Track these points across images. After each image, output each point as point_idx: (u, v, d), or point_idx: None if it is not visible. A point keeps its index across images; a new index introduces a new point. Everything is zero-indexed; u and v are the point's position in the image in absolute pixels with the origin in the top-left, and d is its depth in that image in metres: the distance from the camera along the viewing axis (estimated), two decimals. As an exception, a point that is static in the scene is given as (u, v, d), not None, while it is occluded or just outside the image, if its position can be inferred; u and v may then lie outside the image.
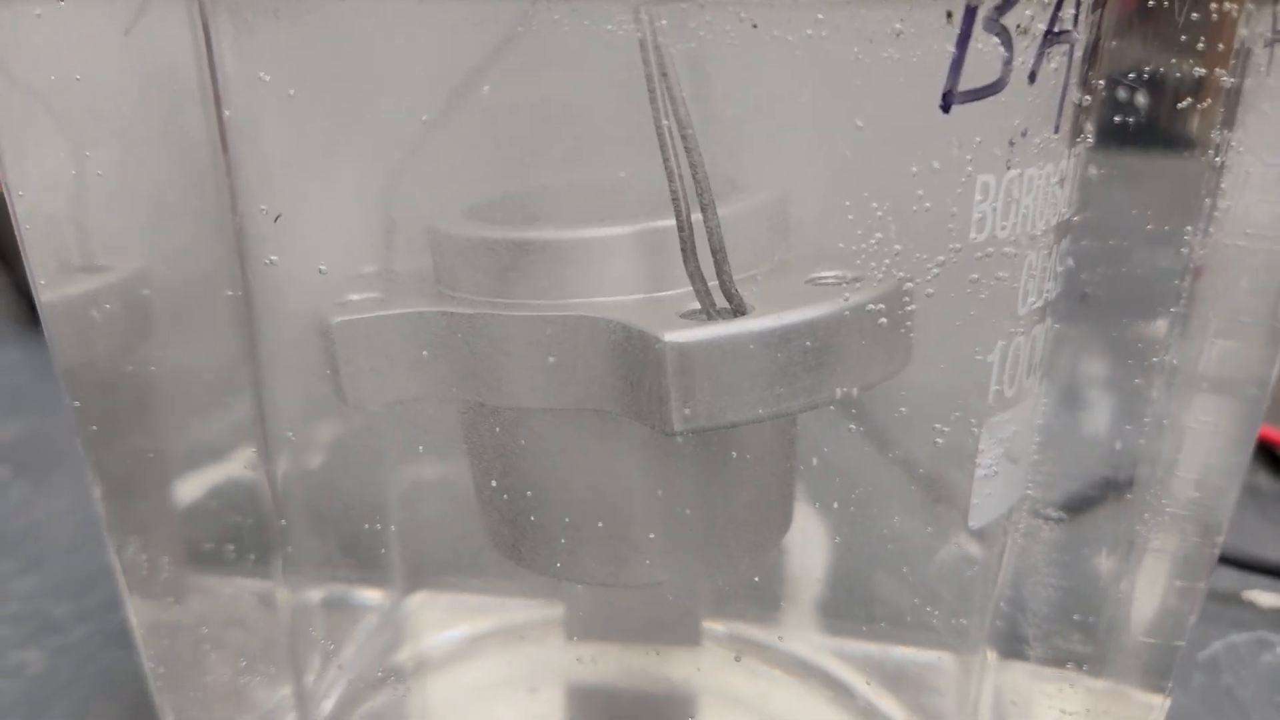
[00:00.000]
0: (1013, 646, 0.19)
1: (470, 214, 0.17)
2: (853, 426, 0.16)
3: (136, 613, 0.19)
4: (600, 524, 0.16)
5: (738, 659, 0.21)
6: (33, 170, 0.16)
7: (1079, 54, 0.13)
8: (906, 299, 0.14)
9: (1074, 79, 0.14)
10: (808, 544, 0.18)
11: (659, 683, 0.21)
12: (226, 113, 0.14)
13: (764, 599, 0.20)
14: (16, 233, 0.16)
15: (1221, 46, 0.14)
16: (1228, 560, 0.29)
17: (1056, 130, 0.14)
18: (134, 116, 0.16)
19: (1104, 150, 0.15)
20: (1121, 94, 0.15)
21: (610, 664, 0.21)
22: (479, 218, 0.17)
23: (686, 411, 0.13)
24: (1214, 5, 0.14)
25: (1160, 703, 0.18)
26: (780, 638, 0.21)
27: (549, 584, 0.22)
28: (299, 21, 0.14)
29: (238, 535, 0.19)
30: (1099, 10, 0.14)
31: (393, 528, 0.22)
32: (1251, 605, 0.29)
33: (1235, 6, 0.14)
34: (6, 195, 0.16)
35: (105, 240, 0.17)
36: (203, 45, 0.15)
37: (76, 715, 0.25)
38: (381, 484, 0.21)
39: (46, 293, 0.17)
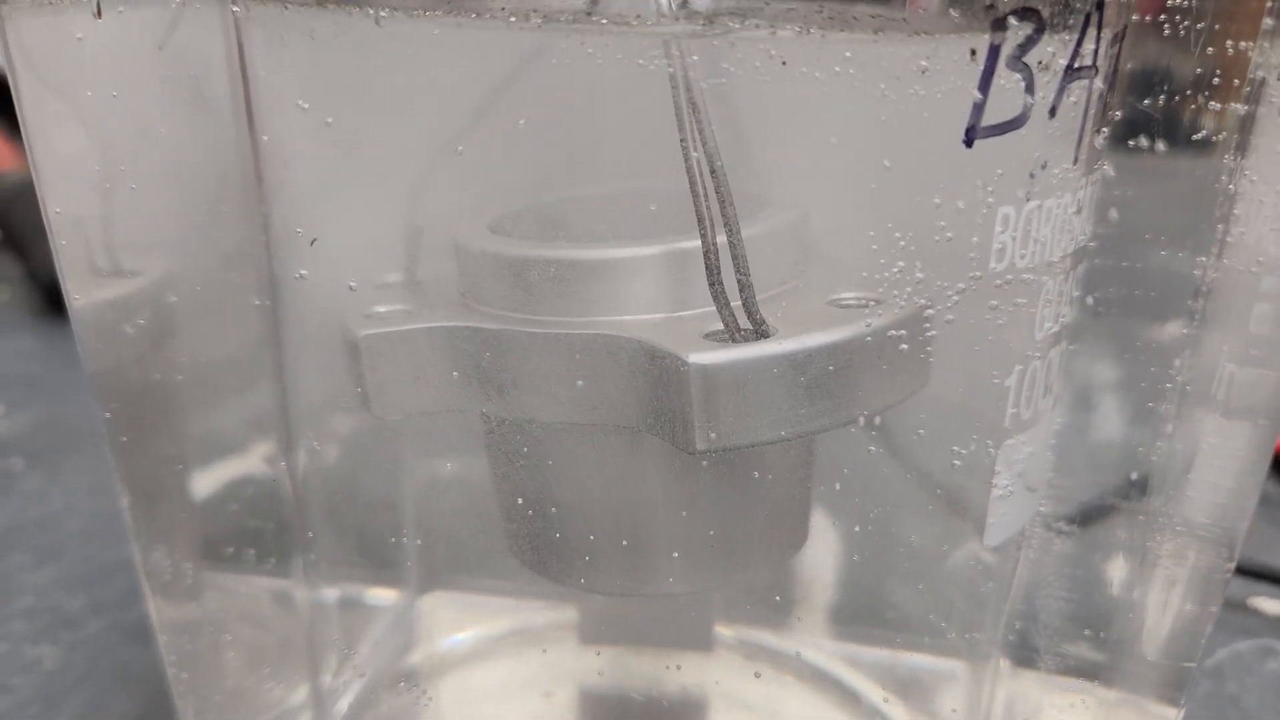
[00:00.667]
0: (1025, 656, 0.20)
1: (495, 228, 0.17)
2: (872, 449, 0.16)
3: (159, 614, 0.19)
4: (623, 539, 0.17)
5: (757, 675, 0.21)
6: (68, 182, 0.16)
7: (1098, 87, 0.14)
8: (926, 324, 0.14)
9: (1093, 111, 0.14)
10: (823, 555, 0.19)
11: (672, 687, 0.21)
12: (264, 137, 0.15)
13: (777, 606, 0.21)
14: (51, 243, 0.16)
15: (1236, 78, 0.15)
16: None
17: (1075, 161, 0.14)
18: (167, 131, 0.16)
19: (1120, 174, 0.16)
20: (1135, 119, 0.15)
21: (624, 668, 0.22)
22: (504, 232, 0.17)
23: (710, 432, 0.14)
24: (1229, 42, 0.14)
25: (1174, 715, 0.19)
26: (798, 653, 0.21)
27: (564, 588, 0.22)
28: (332, 41, 0.15)
29: (259, 536, 0.20)
30: (1118, 44, 0.14)
31: (410, 528, 0.22)
32: (1257, 613, 0.29)
33: (1250, 44, 0.14)
34: (41, 206, 0.16)
35: (137, 250, 0.18)
36: (236, 60, 0.15)
37: (91, 710, 0.25)
38: (399, 485, 0.21)
39: (78, 299, 0.17)
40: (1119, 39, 0.14)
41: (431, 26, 0.13)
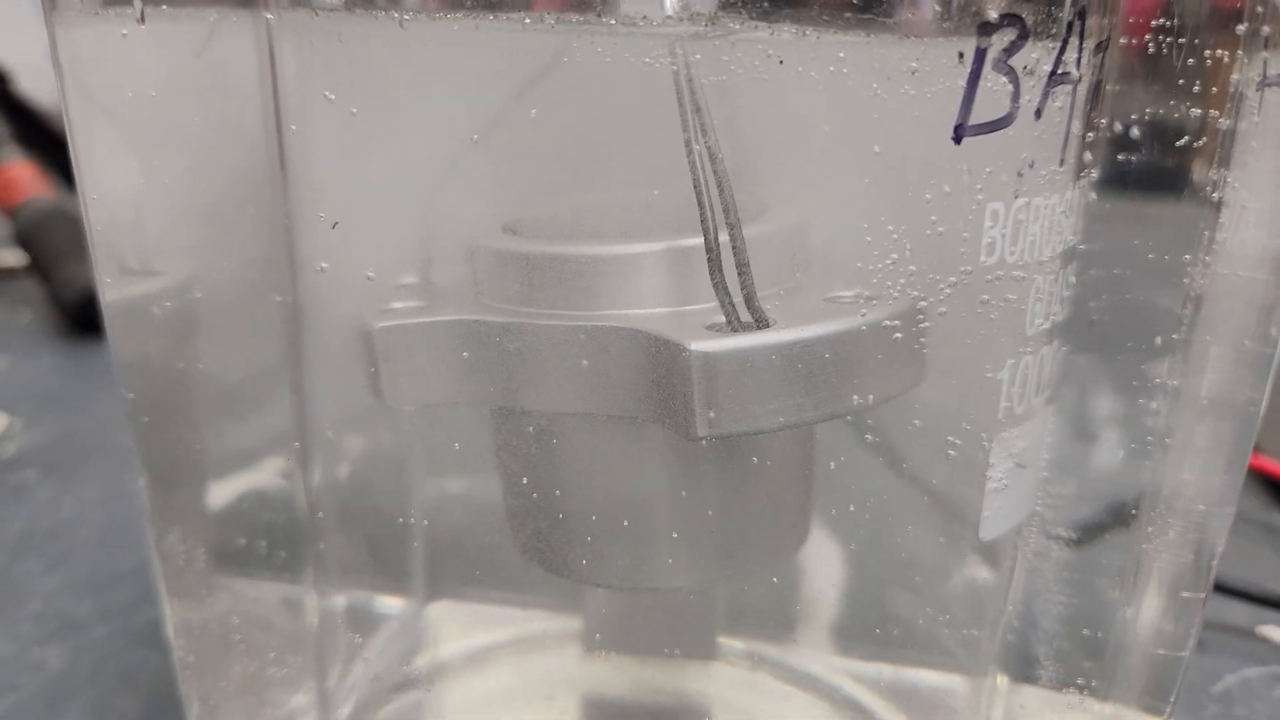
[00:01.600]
0: (1022, 669, 0.20)
1: (509, 229, 0.18)
2: (869, 436, 0.16)
3: (170, 606, 0.20)
4: (625, 527, 0.17)
5: (754, 665, 0.21)
6: (105, 180, 0.17)
7: (1082, 93, 0.14)
8: (920, 317, 0.15)
9: (1077, 116, 0.15)
10: (823, 558, 0.19)
11: (674, 696, 0.21)
12: (292, 126, 0.15)
13: (778, 613, 0.21)
14: (88, 238, 0.17)
15: (1216, 90, 0.15)
16: (1242, 595, 0.29)
17: (1061, 163, 0.15)
18: (200, 132, 0.17)
19: (1109, 185, 0.16)
20: (1124, 132, 0.16)
21: (626, 676, 0.22)
22: (517, 232, 0.18)
23: (711, 416, 0.14)
24: (1208, 52, 0.15)
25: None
26: (796, 641, 0.21)
27: (567, 595, 0.22)
28: (359, 44, 0.15)
29: (271, 537, 0.20)
30: (1101, 54, 0.15)
31: (418, 537, 0.22)
32: (1265, 640, 0.29)
33: (1227, 54, 0.15)
34: (81, 203, 0.17)
35: (167, 246, 0.18)
36: (268, 66, 0.16)
37: (95, 711, 0.25)
38: (409, 493, 0.22)
39: (110, 293, 0.18)
40: (1102, 48, 0.15)
41: (451, 26, 0.14)
